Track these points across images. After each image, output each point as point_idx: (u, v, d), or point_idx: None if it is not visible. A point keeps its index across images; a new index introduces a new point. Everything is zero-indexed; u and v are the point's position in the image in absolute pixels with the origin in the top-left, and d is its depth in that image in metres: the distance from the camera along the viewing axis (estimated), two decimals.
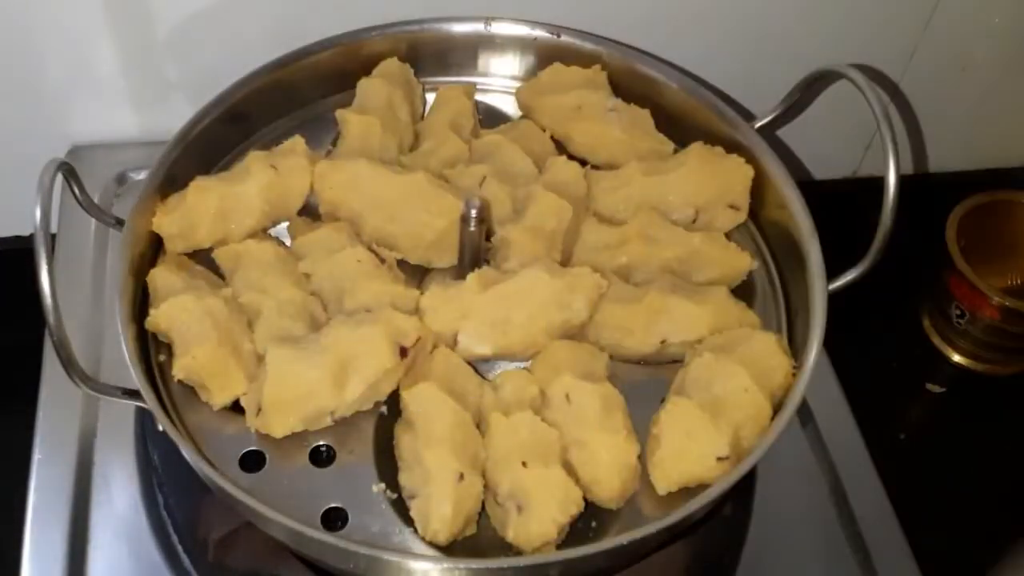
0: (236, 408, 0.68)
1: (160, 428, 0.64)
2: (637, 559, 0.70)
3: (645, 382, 0.73)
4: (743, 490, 0.77)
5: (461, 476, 0.63)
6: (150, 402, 0.64)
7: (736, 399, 0.66)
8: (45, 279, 0.60)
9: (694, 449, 0.65)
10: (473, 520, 0.65)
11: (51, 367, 0.78)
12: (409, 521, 0.64)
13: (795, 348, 0.73)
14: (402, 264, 0.75)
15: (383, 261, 0.73)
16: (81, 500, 0.73)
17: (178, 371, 0.68)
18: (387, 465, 0.67)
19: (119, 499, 0.73)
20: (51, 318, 0.60)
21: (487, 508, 0.66)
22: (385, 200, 0.74)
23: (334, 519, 0.65)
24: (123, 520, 0.72)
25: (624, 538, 0.60)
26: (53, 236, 0.83)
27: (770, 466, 0.75)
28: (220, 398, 0.68)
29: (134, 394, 0.65)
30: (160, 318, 0.69)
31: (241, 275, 0.72)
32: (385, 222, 0.74)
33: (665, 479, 0.66)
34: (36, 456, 0.75)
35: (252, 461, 0.67)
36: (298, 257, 0.75)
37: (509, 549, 0.64)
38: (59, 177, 0.65)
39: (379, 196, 0.74)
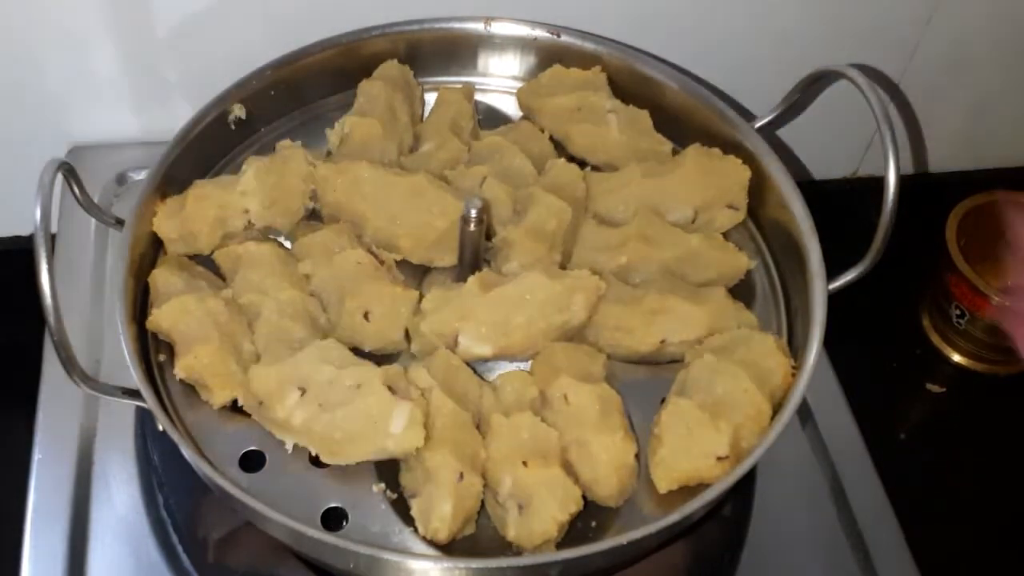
0: (236, 408, 0.68)
1: (160, 428, 0.64)
2: (638, 559, 0.70)
3: (645, 382, 0.73)
4: (743, 490, 0.77)
5: (461, 476, 0.63)
6: (150, 402, 0.64)
7: (736, 400, 0.67)
8: (45, 279, 0.60)
9: (694, 449, 0.65)
10: (472, 519, 0.65)
11: (51, 367, 0.78)
12: (409, 521, 0.64)
13: (795, 348, 0.73)
14: (402, 265, 0.75)
15: (382, 263, 0.73)
16: (81, 500, 0.73)
17: (180, 370, 0.68)
18: (387, 465, 0.67)
19: (119, 499, 0.73)
20: (51, 318, 0.60)
21: (488, 508, 0.66)
22: (387, 202, 0.74)
23: (334, 519, 0.65)
24: (123, 520, 0.72)
25: (624, 538, 0.60)
26: (53, 236, 0.83)
27: (770, 466, 0.75)
28: (220, 397, 0.68)
29: (134, 394, 0.65)
30: (162, 318, 0.69)
31: (242, 276, 0.73)
32: (387, 223, 0.75)
33: (666, 478, 0.66)
34: (36, 456, 0.75)
35: (252, 461, 0.67)
36: (298, 259, 0.75)
37: (509, 548, 0.64)
38: (59, 177, 0.65)
39: (381, 198, 0.75)
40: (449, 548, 0.64)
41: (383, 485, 0.67)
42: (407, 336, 0.72)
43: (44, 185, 0.62)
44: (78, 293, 0.83)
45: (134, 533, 0.72)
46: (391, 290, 0.71)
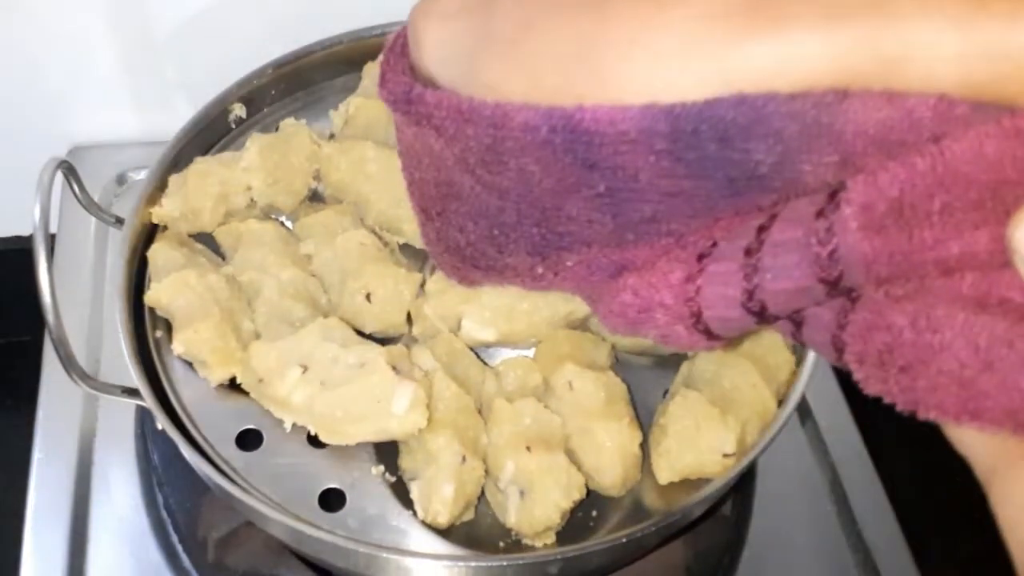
0: (233, 386, 0.67)
1: (160, 427, 0.64)
2: (637, 556, 0.70)
3: (648, 373, 0.72)
4: (743, 489, 0.77)
5: (464, 459, 0.63)
6: (150, 401, 0.64)
7: (744, 395, 0.66)
8: (45, 278, 0.60)
9: (701, 442, 0.64)
10: (472, 505, 0.64)
11: (51, 366, 0.78)
12: (408, 504, 0.64)
13: (795, 346, 0.73)
14: (405, 248, 0.75)
15: (386, 245, 0.73)
16: (81, 500, 0.73)
17: (178, 345, 0.66)
18: (386, 447, 0.66)
19: (119, 499, 0.73)
20: (51, 317, 0.60)
21: (487, 495, 0.65)
22: (391, 184, 0.74)
23: (332, 500, 0.65)
24: (123, 520, 0.72)
25: (622, 536, 0.60)
26: (53, 236, 0.83)
27: (770, 465, 0.75)
28: (219, 374, 0.66)
29: (134, 392, 0.65)
30: (162, 292, 0.68)
31: (242, 254, 0.71)
32: (390, 205, 0.74)
33: (668, 469, 0.65)
34: (36, 456, 0.75)
35: (249, 440, 0.66)
36: (300, 239, 0.74)
37: (509, 536, 0.63)
38: (59, 177, 0.65)
39: (385, 179, 0.74)
40: (448, 533, 0.63)
41: (382, 467, 0.66)
42: (409, 319, 0.71)
43: (44, 184, 0.62)
44: (78, 293, 0.83)
45: (134, 533, 0.72)
46: (394, 272, 0.70)
